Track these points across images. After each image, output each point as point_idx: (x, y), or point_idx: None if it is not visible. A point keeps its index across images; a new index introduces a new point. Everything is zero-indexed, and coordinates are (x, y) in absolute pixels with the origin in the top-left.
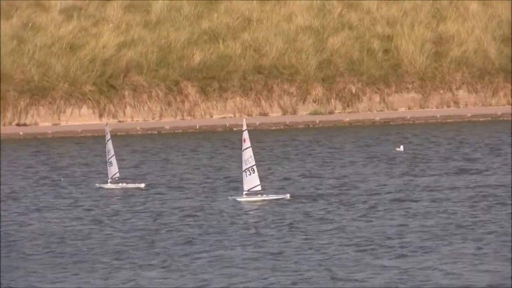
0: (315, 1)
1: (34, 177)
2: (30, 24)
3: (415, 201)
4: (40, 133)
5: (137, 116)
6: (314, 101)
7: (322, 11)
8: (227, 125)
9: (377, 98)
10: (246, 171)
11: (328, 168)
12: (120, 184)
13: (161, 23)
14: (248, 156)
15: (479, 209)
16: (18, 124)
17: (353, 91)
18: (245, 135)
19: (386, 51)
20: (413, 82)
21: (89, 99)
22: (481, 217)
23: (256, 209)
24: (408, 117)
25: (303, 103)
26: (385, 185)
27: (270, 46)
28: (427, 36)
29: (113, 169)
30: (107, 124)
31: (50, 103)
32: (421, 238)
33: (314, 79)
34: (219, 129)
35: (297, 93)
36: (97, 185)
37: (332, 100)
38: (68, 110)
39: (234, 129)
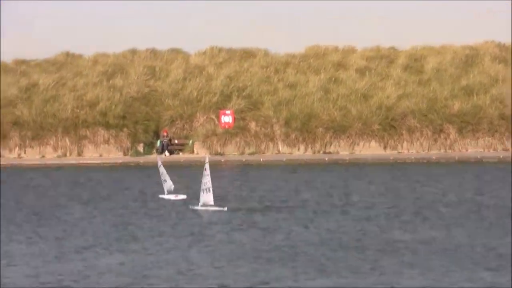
0: None
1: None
2: (333, 79)
3: None
4: (340, 159)
5: (411, 149)
6: None
7: None
8: (478, 157)
9: None
10: (203, 190)
11: None
12: (173, 196)
13: (430, 80)
14: (206, 180)
15: None
16: (324, 152)
17: None
18: (207, 166)
19: None
20: None
21: (376, 135)
22: None
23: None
24: None
25: None
26: None
27: None
28: None
29: (168, 183)
30: (159, 159)
31: (347, 137)
32: None
33: None
34: (472, 160)
35: None
36: (160, 196)
37: None
38: (361, 143)
39: (483, 160)
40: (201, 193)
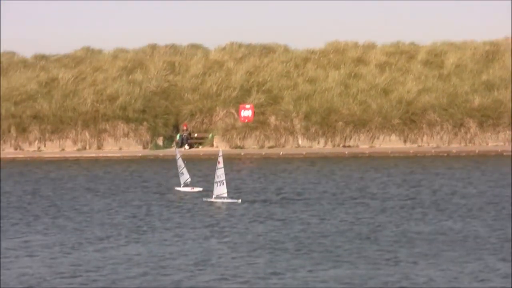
0: None
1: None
2: (353, 74)
3: None
4: (360, 152)
5: (431, 142)
6: None
7: None
8: (499, 150)
9: None
10: (217, 183)
11: None
12: (190, 188)
13: (451, 75)
14: (220, 173)
15: None
16: (344, 146)
17: None
18: (220, 159)
19: None
20: None
21: (396, 129)
22: None
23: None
24: None
25: None
26: None
27: None
28: None
29: (185, 177)
30: (178, 152)
31: (367, 131)
32: None
33: None
34: (492, 153)
35: None
36: (176, 188)
37: None
38: (381, 137)
39: (504, 153)
40: (215, 186)
